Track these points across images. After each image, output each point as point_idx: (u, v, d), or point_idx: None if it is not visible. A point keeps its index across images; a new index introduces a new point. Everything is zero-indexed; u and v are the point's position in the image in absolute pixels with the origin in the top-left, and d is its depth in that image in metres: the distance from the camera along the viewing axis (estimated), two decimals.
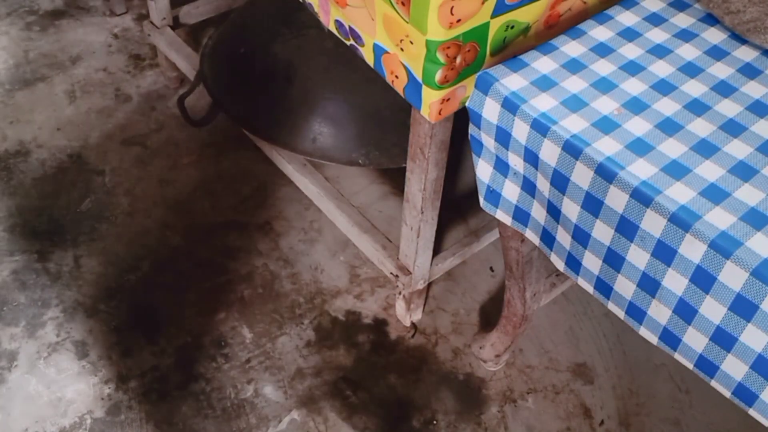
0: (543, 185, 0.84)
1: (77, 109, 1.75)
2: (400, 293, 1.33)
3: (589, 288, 0.86)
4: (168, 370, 1.32)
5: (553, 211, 0.85)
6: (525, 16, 0.90)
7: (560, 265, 0.89)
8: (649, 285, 0.78)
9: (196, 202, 1.58)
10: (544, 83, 0.84)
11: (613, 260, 0.80)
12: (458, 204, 1.54)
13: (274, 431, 1.26)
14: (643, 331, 0.82)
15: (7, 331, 1.36)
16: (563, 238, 0.86)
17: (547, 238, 0.89)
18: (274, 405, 1.28)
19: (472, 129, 0.90)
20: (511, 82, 0.84)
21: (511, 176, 0.90)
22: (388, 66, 0.96)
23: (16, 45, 1.91)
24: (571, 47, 0.89)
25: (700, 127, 0.80)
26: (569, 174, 0.79)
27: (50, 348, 1.34)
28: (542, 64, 0.86)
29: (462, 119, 0.97)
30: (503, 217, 0.94)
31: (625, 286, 0.81)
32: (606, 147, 0.77)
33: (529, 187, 0.88)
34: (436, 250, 1.29)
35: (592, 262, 0.83)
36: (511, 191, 0.91)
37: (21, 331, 1.36)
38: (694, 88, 0.84)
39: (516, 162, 0.87)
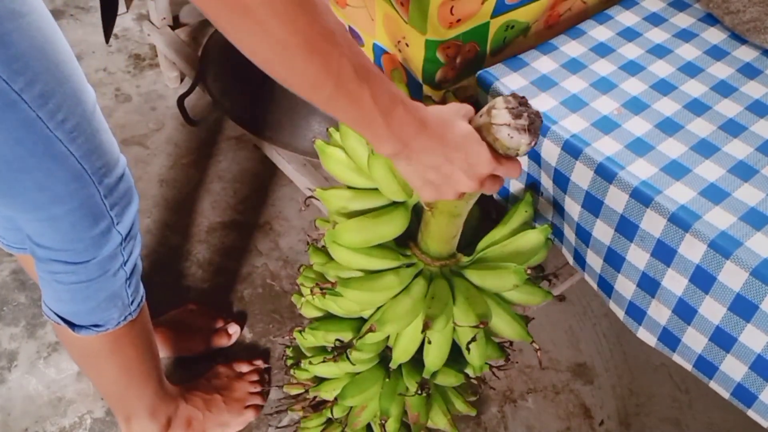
0: (547, 183, 0.84)
1: None
2: None
3: (594, 284, 0.86)
4: (168, 370, 1.32)
5: (558, 209, 0.86)
6: (525, 15, 0.90)
7: (570, 259, 0.89)
8: (649, 285, 0.78)
9: (196, 202, 1.58)
10: (544, 83, 0.84)
11: (614, 260, 0.80)
12: None
13: (275, 431, 1.26)
14: (642, 333, 0.82)
15: (7, 331, 1.36)
16: (569, 234, 0.86)
17: (557, 232, 0.90)
18: (275, 404, 1.28)
19: None
20: (511, 81, 0.84)
21: None
22: (388, 66, 0.96)
23: None
24: (571, 47, 0.89)
25: (700, 127, 0.80)
26: (569, 174, 0.79)
27: (50, 348, 1.34)
28: (542, 63, 0.86)
29: None
30: None
31: (625, 286, 0.81)
32: (606, 147, 0.77)
33: (534, 184, 0.88)
34: None
35: (594, 261, 0.83)
36: (516, 187, 0.91)
37: (21, 331, 1.36)
38: (694, 88, 0.84)
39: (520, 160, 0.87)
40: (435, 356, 0.91)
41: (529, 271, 0.84)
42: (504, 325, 0.92)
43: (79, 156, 0.79)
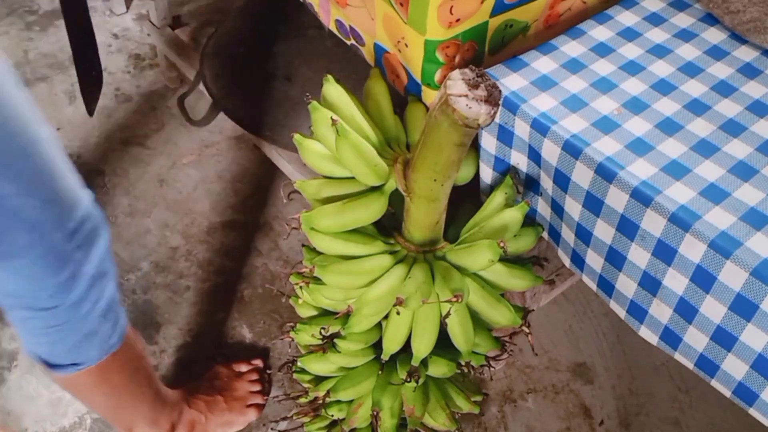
0: (546, 183, 0.84)
1: (77, 110, 1.75)
2: None
3: (593, 285, 0.86)
4: (168, 370, 1.32)
5: (557, 209, 0.86)
6: (524, 15, 0.90)
7: (566, 261, 0.89)
8: (650, 284, 0.78)
9: (196, 202, 1.58)
10: (544, 83, 0.84)
11: (615, 259, 0.80)
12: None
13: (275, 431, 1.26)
14: (644, 331, 0.82)
15: (7, 331, 1.36)
16: (567, 235, 0.86)
17: (554, 233, 0.90)
18: (275, 405, 1.28)
19: None
20: (511, 81, 0.84)
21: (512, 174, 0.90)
22: (389, 65, 0.96)
23: (16, 45, 1.91)
24: (571, 47, 0.89)
25: (700, 127, 0.80)
26: (570, 173, 0.79)
27: None
28: (542, 63, 0.86)
29: None
30: None
31: (626, 285, 0.81)
32: (606, 147, 0.77)
33: (533, 184, 0.88)
34: None
35: (594, 260, 0.83)
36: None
37: None
38: (694, 88, 0.84)
39: (519, 160, 0.87)
40: (421, 342, 0.91)
41: (502, 244, 0.84)
42: (492, 311, 0.92)
43: (33, 207, 0.74)
